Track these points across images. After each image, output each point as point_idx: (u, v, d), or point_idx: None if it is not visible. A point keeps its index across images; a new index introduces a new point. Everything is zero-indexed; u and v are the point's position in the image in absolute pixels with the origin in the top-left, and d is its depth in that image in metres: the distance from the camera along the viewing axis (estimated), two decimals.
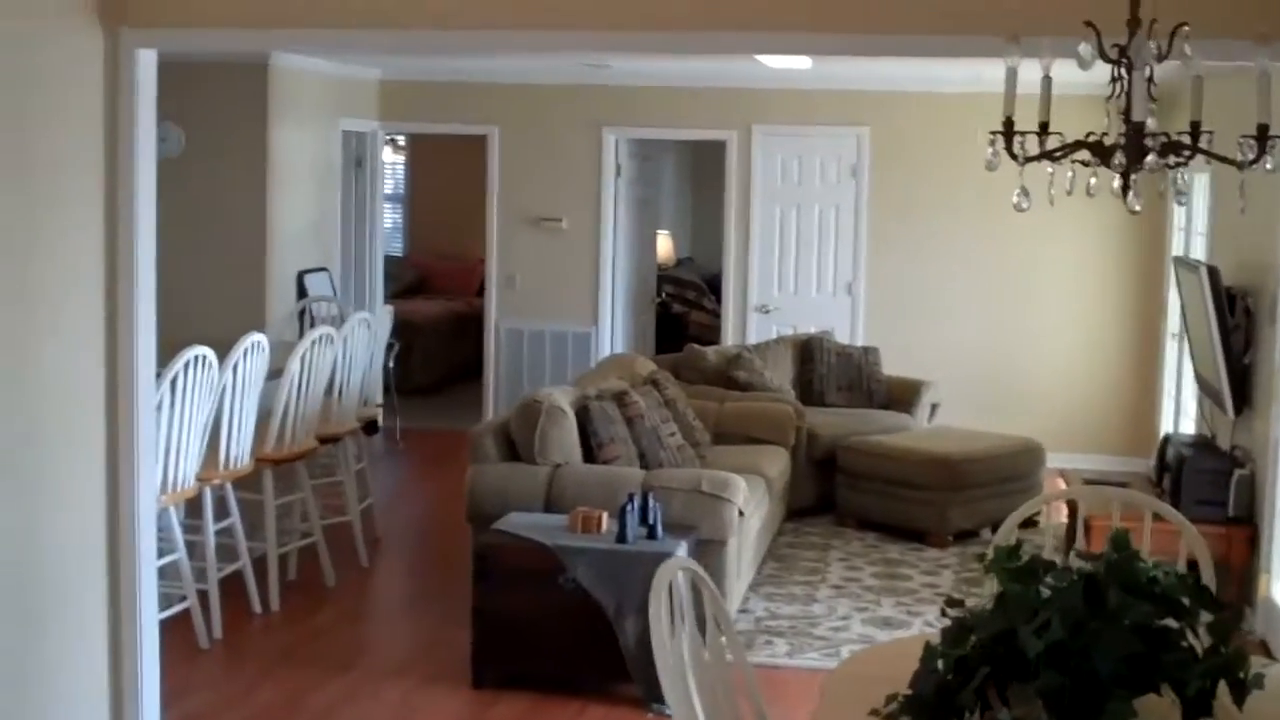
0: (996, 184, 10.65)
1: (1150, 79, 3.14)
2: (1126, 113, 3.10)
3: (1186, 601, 3.14)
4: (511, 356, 11.53)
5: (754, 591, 7.31)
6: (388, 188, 16.22)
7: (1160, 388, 10.21)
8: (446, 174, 14.93)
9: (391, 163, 16.08)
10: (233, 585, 6.79)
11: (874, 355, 9.86)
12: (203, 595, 6.46)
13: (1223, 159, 3.15)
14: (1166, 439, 7.82)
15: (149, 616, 5.28)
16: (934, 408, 9.84)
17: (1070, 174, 3.28)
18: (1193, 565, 4.26)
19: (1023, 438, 9.03)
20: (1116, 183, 3.17)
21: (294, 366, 6.83)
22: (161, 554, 6.23)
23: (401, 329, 13.12)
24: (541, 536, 5.91)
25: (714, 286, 12.88)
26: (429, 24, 4.93)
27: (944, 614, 3.31)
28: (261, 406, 6.80)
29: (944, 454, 8.51)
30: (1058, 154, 3.17)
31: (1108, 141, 3.13)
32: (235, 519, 6.70)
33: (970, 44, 4.41)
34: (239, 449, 6.57)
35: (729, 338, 11.14)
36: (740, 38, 4.69)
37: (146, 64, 5.09)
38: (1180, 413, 9.38)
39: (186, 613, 6.34)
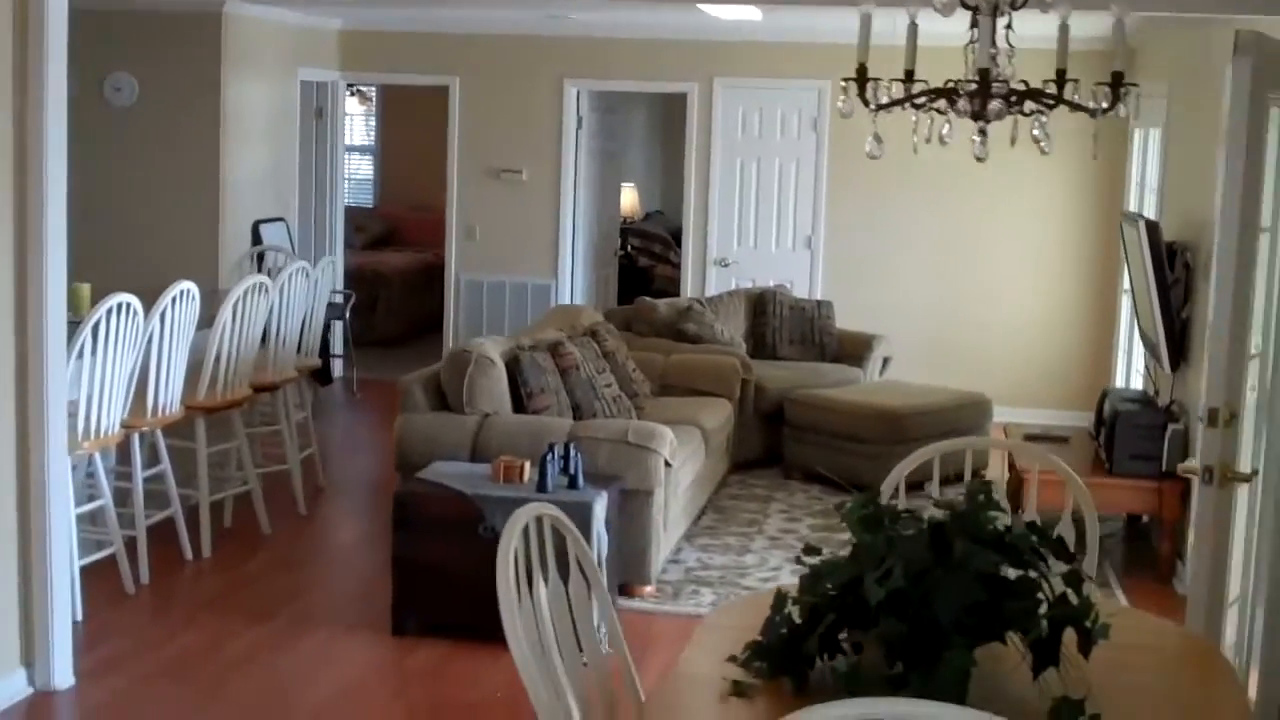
0: (956, 138, 10.69)
1: (1009, 26, 3.13)
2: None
3: (1034, 551, 3.15)
4: (471, 308, 11.52)
5: (688, 542, 7.33)
6: (359, 139, 16.20)
7: (1115, 343, 10.21)
8: (416, 125, 14.86)
9: (361, 114, 16.04)
10: (166, 532, 6.81)
11: (827, 309, 9.86)
12: (131, 541, 6.47)
13: (1077, 106, 3.14)
14: (1105, 393, 7.82)
15: (60, 563, 5.30)
16: (886, 361, 9.85)
17: (929, 121, 3.27)
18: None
19: (970, 392, 9.04)
20: (977, 131, 3.16)
21: (225, 314, 6.82)
22: (90, 500, 6.28)
23: (368, 280, 13.15)
24: (461, 485, 5.92)
25: (681, 240, 12.85)
26: None
27: (798, 561, 3.32)
28: (197, 354, 6.81)
29: (887, 407, 8.52)
30: (911, 101, 3.15)
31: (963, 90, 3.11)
32: (166, 466, 6.71)
33: None
34: (168, 396, 6.56)
35: (688, 291, 11.13)
36: None
37: (56, 7, 5.06)
38: (1131, 368, 9.39)
39: (114, 558, 6.35)
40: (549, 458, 5.90)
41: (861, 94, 3.16)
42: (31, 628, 5.23)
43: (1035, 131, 3.25)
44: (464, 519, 5.81)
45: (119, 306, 6.03)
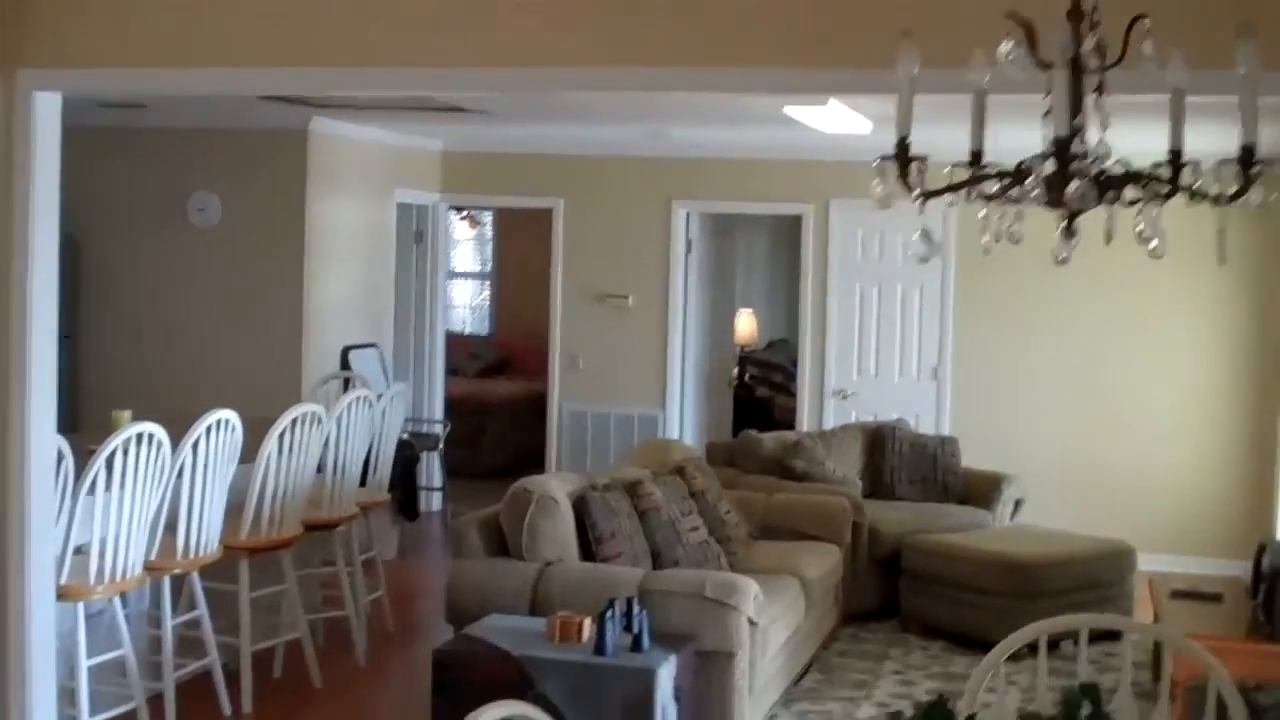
0: (1096, 260, 9.69)
1: (1099, 90, 2.39)
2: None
3: None
4: (575, 440, 10.88)
5: (785, 708, 6.50)
6: (473, 265, 15.81)
7: (1277, 484, 9.19)
8: (529, 250, 14.36)
9: (471, 238, 15.66)
10: (206, 684, 6.19)
11: (951, 446, 9.00)
12: (158, 695, 5.84)
13: (1193, 193, 2.36)
14: (1263, 546, 6.87)
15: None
16: (1018, 504, 8.93)
17: (999, 215, 2.54)
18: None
19: (1110, 540, 8.10)
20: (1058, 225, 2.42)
21: (270, 446, 6.22)
22: (107, 650, 5.69)
23: (474, 410, 12.61)
24: (510, 644, 5.21)
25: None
26: (353, 61, 4.36)
27: None
28: (241, 489, 6.24)
29: (1016, 556, 7.63)
30: (967, 186, 2.43)
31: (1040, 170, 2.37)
32: (202, 611, 6.11)
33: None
34: (204, 535, 5.96)
35: (804, 424, 10.38)
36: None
37: (47, 109, 4.56)
38: None
39: (136, 715, 5.72)
40: (609, 615, 5.17)
41: (903, 176, 2.44)
42: None
43: (1140, 227, 2.45)
44: (510, 683, 5.07)
45: (139, 437, 5.46)
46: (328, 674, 6.74)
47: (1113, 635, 7.76)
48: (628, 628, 5.24)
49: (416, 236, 11.04)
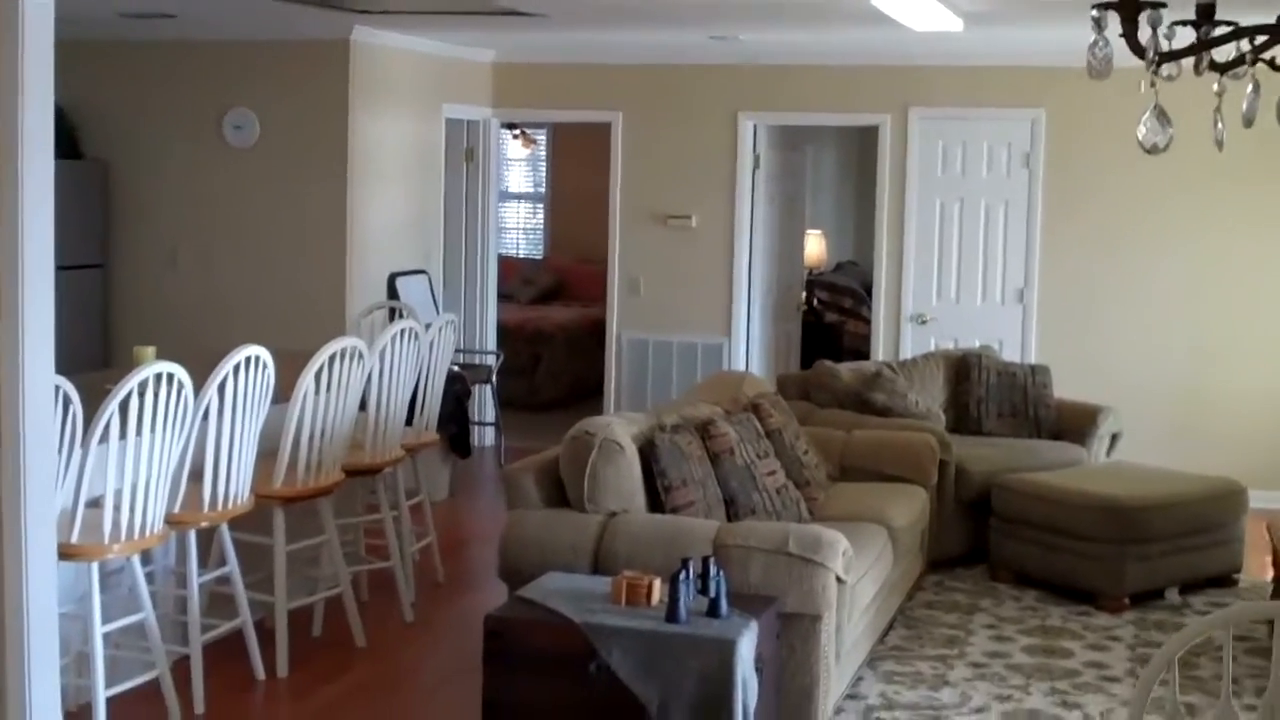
0: (1195, 172, 8.84)
1: None
2: None
3: None
4: (635, 370, 10.28)
5: (871, 669, 5.91)
6: (528, 186, 15.18)
7: None
8: (586, 170, 13.70)
9: (525, 158, 15.00)
10: (236, 647, 5.67)
11: (1043, 375, 8.34)
12: (184, 661, 5.33)
13: None
14: None
15: (44, 702, 4.16)
16: (1114, 439, 8.28)
17: (1251, 86, 1.89)
18: None
19: (1219, 478, 7.45)
20: None
21: (306, 385, 5.66)
22: (127, 613, 5.17)
23: (529, 338, 12.05)
24: (571, 609, 4.63)
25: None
26: None
27: None
28: (275, 433, 5.69)
29: (1118, 497, 6.99)
30: (1212, 46, 1.78)
31: None
32: (233, 567, 5.58)
33: None
34: (234, 484, 5.42)
35: (879, 352, 9.72)
36: None
37: (36, 12, 3.95)
38: None
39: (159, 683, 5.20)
40: (682, 577, 4.58)
41: (1131, 33, 1.80)
42: None
43: None
44: (571, 653, 4.52)
45: (158, 377, 4.90)
46: (372, 632, 6.22)
47: (1219, 583, 7.23)
48: (703, 590, 4.66)
49: (467, 155, 10.41)
